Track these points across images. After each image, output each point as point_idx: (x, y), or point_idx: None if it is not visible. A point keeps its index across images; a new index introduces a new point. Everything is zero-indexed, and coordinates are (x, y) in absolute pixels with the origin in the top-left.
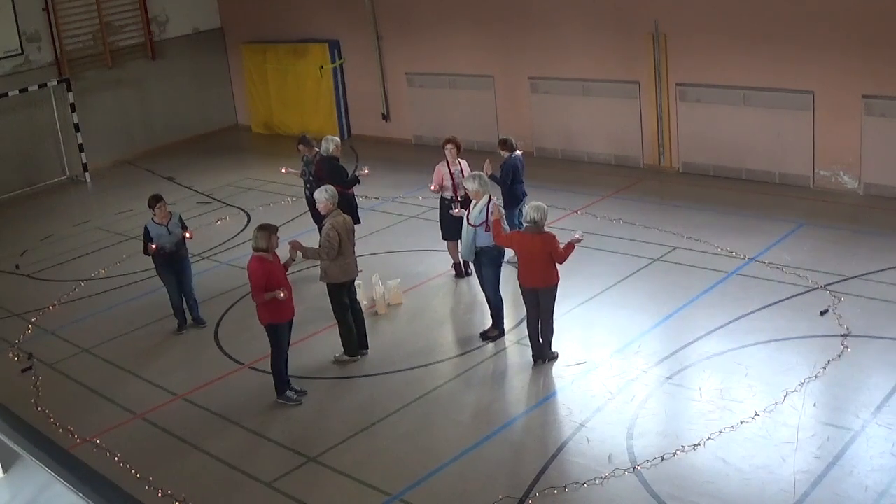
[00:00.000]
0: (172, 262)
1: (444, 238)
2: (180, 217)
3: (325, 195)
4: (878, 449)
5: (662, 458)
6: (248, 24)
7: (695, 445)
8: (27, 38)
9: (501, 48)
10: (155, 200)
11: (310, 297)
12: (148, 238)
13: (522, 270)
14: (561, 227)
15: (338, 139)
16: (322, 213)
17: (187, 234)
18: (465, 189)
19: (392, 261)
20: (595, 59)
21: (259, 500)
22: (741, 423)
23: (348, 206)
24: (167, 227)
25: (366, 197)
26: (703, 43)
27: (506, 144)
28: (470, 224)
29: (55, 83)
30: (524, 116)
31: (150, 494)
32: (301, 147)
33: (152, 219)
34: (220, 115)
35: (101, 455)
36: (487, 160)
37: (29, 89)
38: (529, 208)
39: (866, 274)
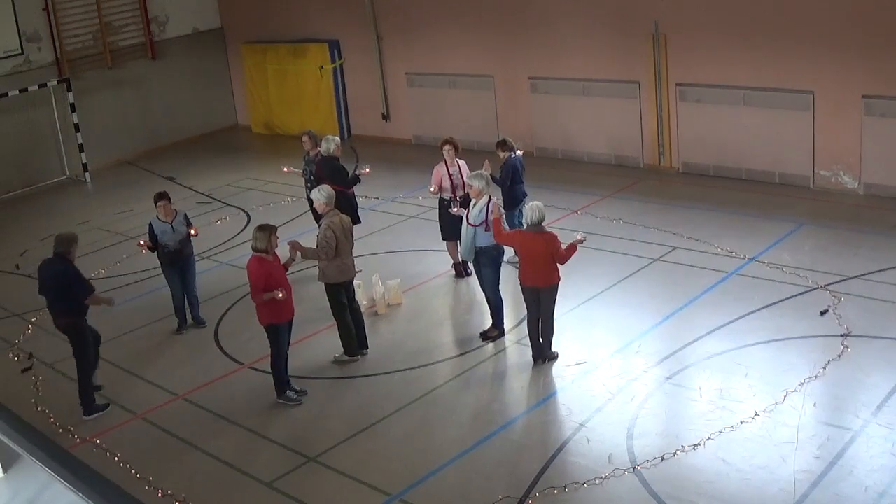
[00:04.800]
0: (177, 261)
1: (443, 238)
2: (185, 215)
3: (320, 196)
4: (878, 449)
5: (662, 458)
6: (248, 24)
7: (695, 445)
8: (27, 38)
9: (501, 48)
10: (159, 198)
11: (310, 297)
12: (152, 235)
13: (523, 269)
14: (561, 227)
15: (338, 139)
16: (319, 213)
17: (192, 231)
18: (469, 186)
19: (392, 261)
20: (595, 59)
21: (259, 500)
22: (741, 423)
23: (348, 205)
24: (171, 224)
25: (366, 197)
26: (703, 43)
27: (504, 145)
28: (469, 224)
29: (55, 83)
30: (524, 116)
31: (150, 494)
32: (306, 138)
33: (157, 216)
34: (220, 115)
35: (101, 455)
36: (487, 160)
37: (29, 89)
38: (529, 210)
39: (866, 274)
